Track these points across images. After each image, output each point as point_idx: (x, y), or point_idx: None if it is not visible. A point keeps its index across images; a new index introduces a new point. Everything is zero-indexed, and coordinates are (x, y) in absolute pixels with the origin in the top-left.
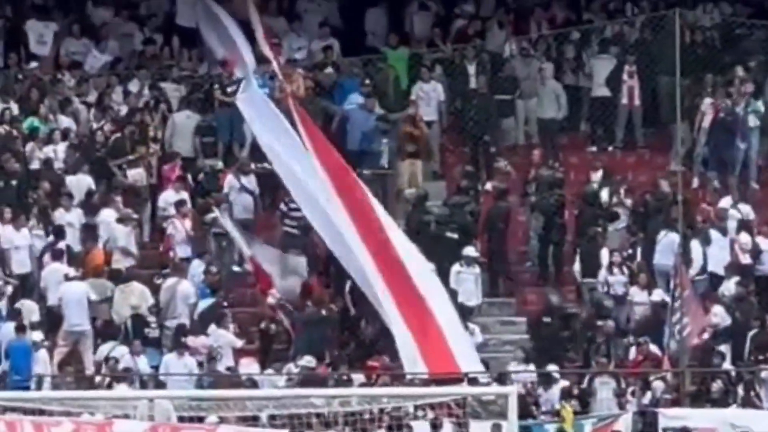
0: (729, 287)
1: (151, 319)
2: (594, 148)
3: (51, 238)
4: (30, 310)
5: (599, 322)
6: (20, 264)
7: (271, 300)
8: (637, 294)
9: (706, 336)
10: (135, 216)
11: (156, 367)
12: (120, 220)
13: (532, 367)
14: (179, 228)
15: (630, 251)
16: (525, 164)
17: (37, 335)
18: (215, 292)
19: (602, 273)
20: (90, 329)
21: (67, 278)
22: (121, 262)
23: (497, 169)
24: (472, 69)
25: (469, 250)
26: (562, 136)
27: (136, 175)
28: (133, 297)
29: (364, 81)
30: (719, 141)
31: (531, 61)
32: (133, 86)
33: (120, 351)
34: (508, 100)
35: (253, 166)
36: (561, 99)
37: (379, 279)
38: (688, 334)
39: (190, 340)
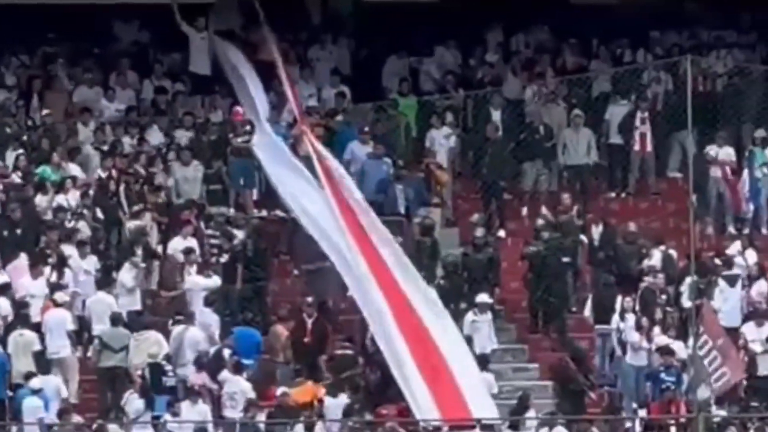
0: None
1: (169, 367)
2: (612, 194)
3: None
4: None
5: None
6: (37, 314)
7: None
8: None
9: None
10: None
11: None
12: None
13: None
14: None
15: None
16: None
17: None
18: None
19: (615, 319)
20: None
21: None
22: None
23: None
24: (497, 115)
25: (483, 297)
26: (592, 183)
27: (144, 222)
28: (150, 345)
29: (363, 129)
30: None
31: (552, 107)
32: (148, 134)
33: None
34: (529, 146)
35: (264, 212)
36: (592, 145)
37: (394, 322)
38: (725, 381)
39: (193, 377)
